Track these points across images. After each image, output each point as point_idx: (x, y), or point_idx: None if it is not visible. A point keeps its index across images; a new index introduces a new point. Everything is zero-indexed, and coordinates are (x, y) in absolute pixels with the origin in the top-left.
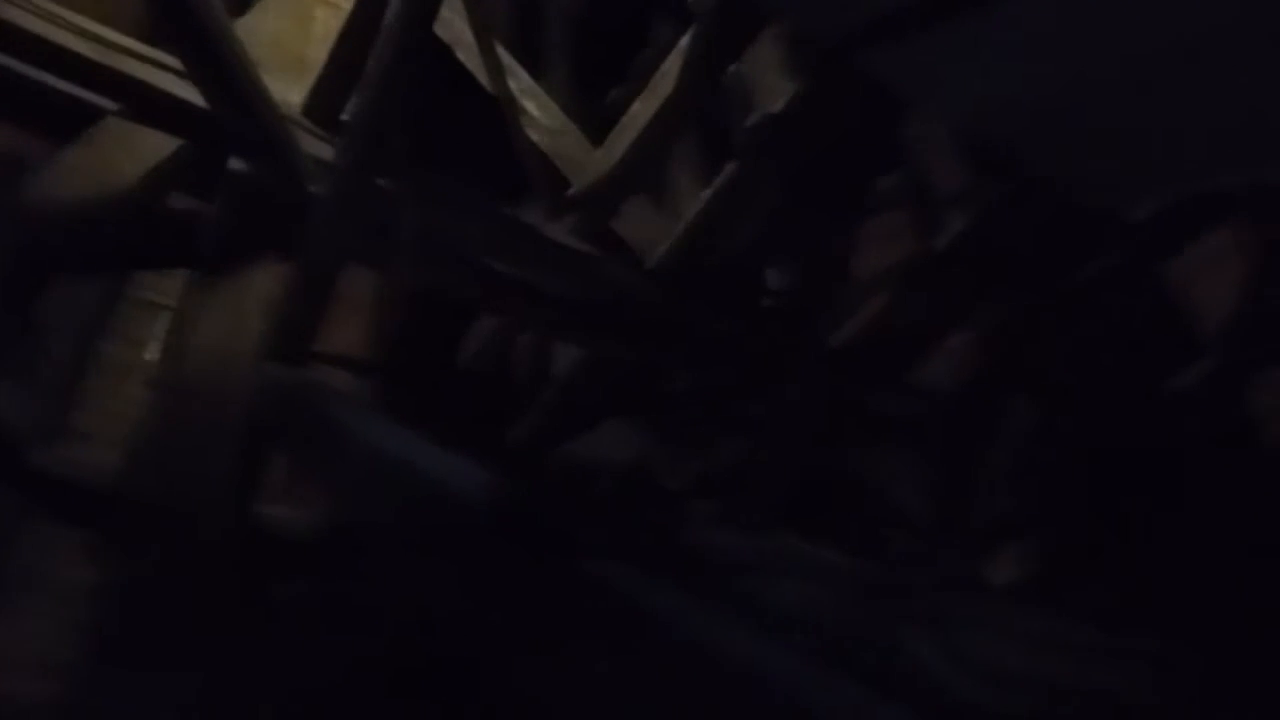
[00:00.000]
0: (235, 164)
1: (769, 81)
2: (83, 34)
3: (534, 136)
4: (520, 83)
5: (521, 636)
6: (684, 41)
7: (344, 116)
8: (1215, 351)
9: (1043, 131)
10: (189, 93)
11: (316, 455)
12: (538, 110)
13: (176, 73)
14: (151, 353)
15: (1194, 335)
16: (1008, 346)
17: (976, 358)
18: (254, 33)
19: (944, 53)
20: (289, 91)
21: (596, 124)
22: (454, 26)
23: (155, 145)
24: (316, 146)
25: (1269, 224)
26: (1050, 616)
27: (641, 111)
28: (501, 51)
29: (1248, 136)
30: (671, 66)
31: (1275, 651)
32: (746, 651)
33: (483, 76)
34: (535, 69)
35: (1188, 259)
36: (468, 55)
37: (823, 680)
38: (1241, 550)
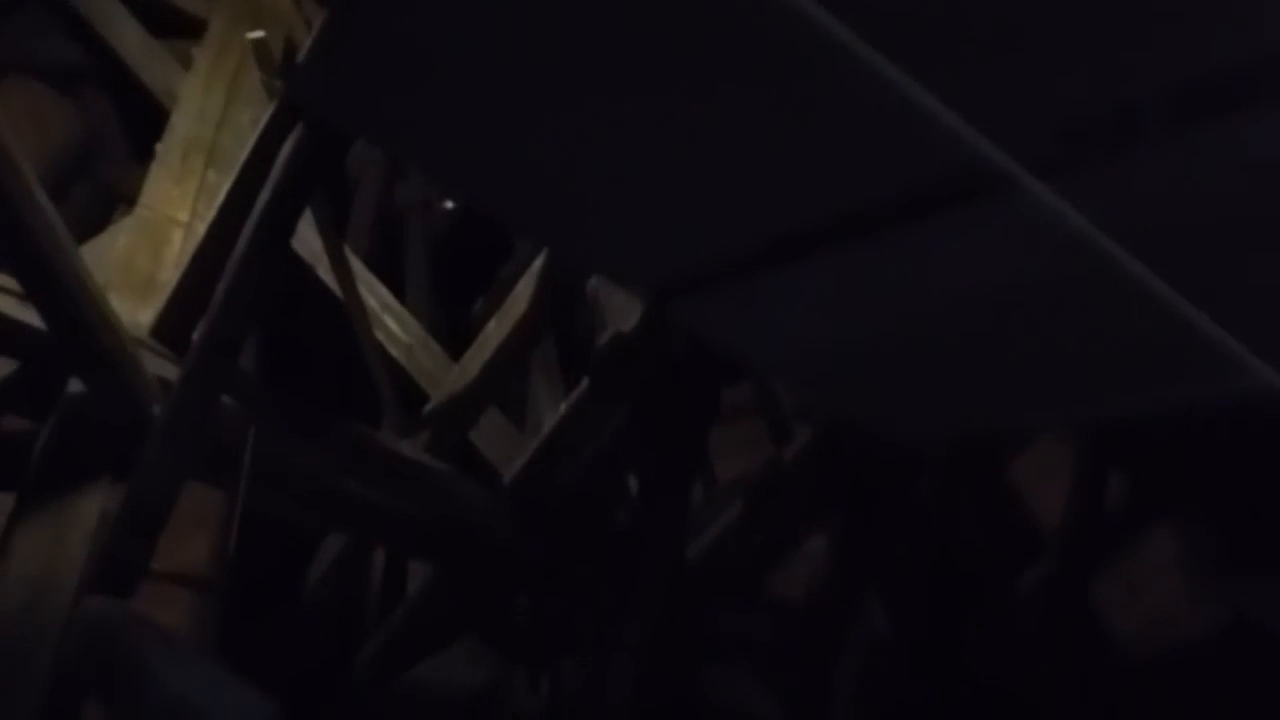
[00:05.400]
0: (74, 386)
1: (620, 300)
2: None
3: (393, 352)
4: (380, 299)
5: None
6: (538, 263)
7: (195, 337)
8: (1053, 552)
9: (845, 377)
10: (27, 315)
11: (118, 695)
12: (397, 325)
13: (14, 294)
14: None
15: (1034, 536)
16: (856, 555)
17: (826, 566)
18: (104, 254)
19: (747, 307)
20: (139, 312)
21: (459, 338)
22: (313, 245)
23: None
24: (163, 367)
25: (1084, 429)
26: None
27: (497, 330)
28: (360, 268)
29: (1049, 381)
30: (526, 287)
31: None
32: None
33: (339, 291)
34: (397, 286)
35: (1023, 461)
36: (327, 272)
37: None
38: None
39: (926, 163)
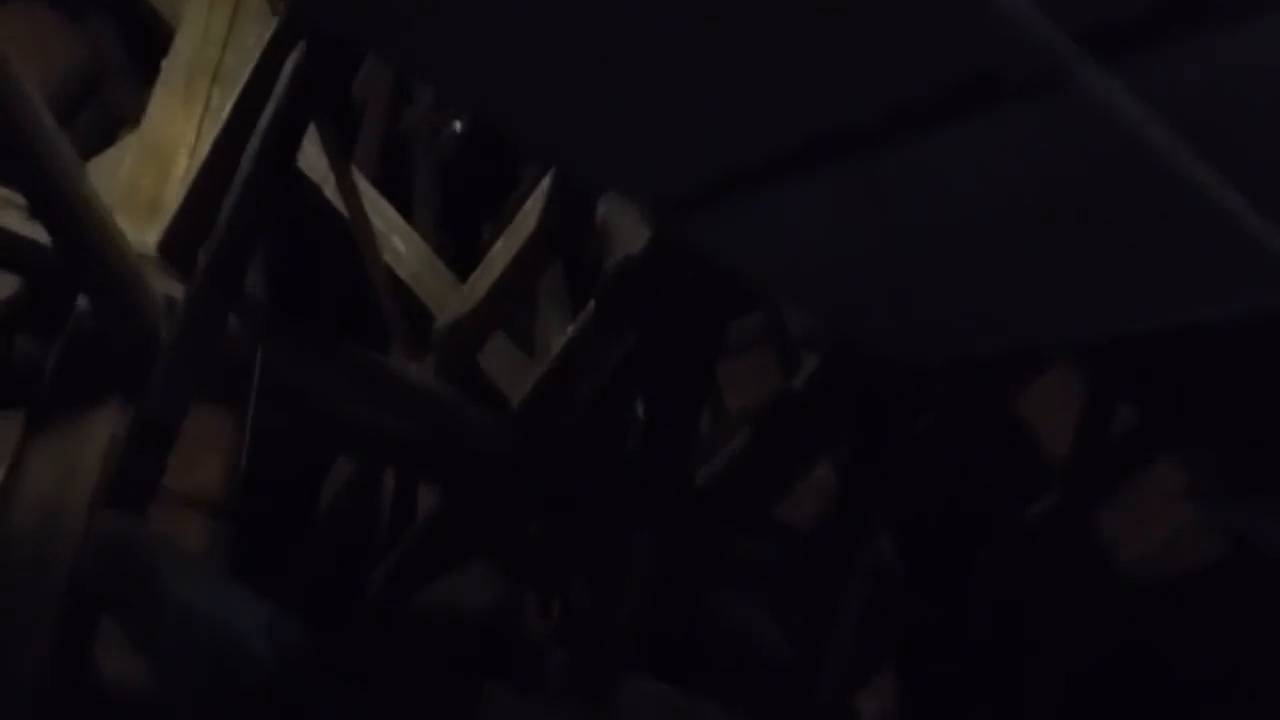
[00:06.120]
0: (82, 303)
1: (629, 223)
2: None
3: (400, 274)
4: (387, 220)
5: None
6: (545, 182)
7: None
8: (1062, 482)
9: (857, 296)
10: (34, 231)
11: (133, 609)
12: (404, 247)
13: (20, 210)
14: None
15: (1042, 465)
16: (863, 483)
17: (833, 494)
18: (109, 172)
19: (757, 222)
20: (145, 232)
21: (467, 264)
22: (320, 166)
23: None
24: (170, 287)
25: (1095, 359)
26: None
27: (504, 250)
28: (367, 188)
29: (1060, 300)
30: (533, 206)
31: None
32: None
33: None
34: (405, 211)
35: (1032, 392)
36: (334, 193)
37: None
38: (1101, 682)
39: (964, 52)
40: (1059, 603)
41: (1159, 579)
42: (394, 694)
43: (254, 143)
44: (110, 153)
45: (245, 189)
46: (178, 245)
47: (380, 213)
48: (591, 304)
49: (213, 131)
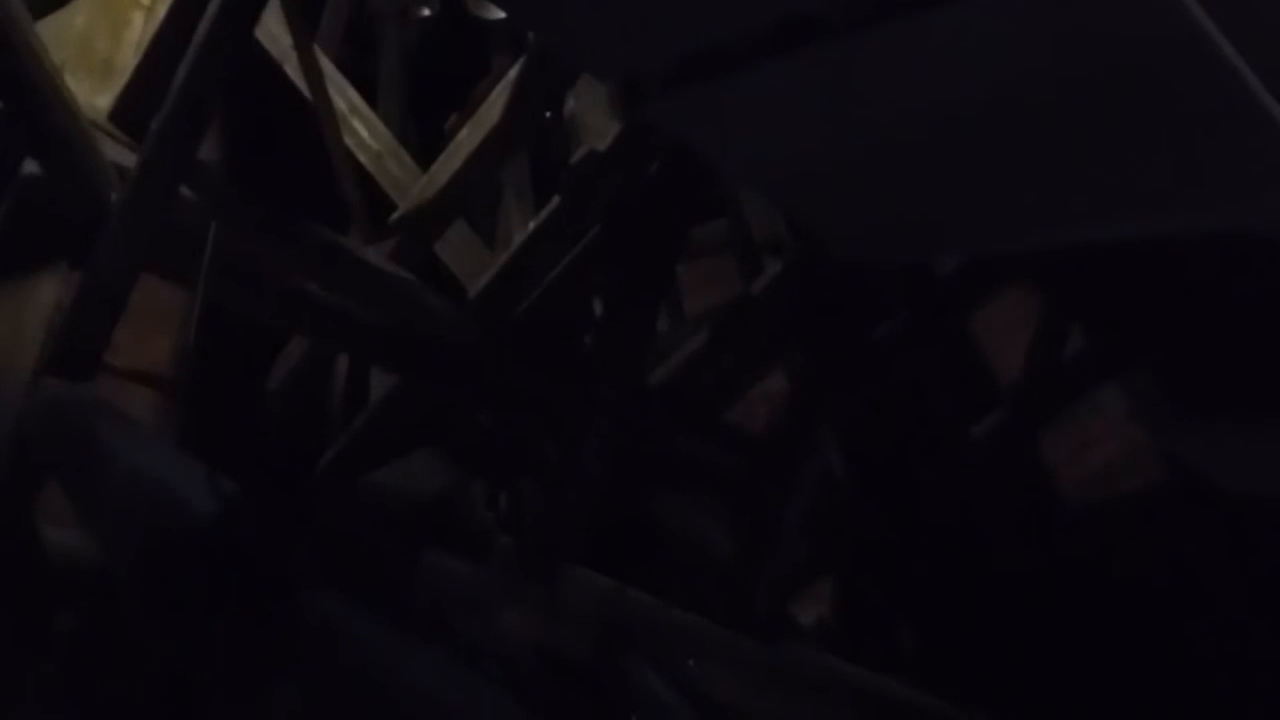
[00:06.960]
0: (29, 166)
1: (596, 119)
2: None
3: (360, 157)
4: (349, 101)
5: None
6: (513, 72)
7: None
8: (1008, 404)
9: (824, 191)
10: None
11: (76, 473)
12: (365, 130)
13: None
14: None
15: (991, 388)
16: (815, 392)
17: (785, 403)
18: (61, 33)
19: (727, 106)
20: (96, 96)
21: (431, 153)
22: (282, 42)
23: None
24: (121, 154)
25: (1050, 284)
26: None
27: (468, 139)
28: (330, 69)
29: (1030, 204)
30: (500, 96)
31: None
32: (440, 685)
33: (307, 90)
34: (370, 94)
35: (985, 314)
36: (296, 71)
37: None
38: (1039, 609)
39: None
40: (1000, 521)
41: (1097, 503)
42: (334, 553)
43: (212, 7)
44: (62, 11)
45: (201, 56)
46: (131, 110)
47: (343, 94)
48: (555, 198)
49: None
